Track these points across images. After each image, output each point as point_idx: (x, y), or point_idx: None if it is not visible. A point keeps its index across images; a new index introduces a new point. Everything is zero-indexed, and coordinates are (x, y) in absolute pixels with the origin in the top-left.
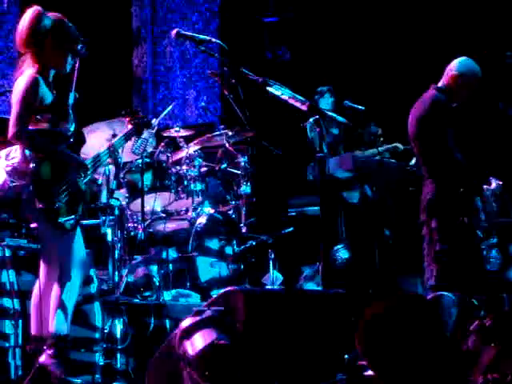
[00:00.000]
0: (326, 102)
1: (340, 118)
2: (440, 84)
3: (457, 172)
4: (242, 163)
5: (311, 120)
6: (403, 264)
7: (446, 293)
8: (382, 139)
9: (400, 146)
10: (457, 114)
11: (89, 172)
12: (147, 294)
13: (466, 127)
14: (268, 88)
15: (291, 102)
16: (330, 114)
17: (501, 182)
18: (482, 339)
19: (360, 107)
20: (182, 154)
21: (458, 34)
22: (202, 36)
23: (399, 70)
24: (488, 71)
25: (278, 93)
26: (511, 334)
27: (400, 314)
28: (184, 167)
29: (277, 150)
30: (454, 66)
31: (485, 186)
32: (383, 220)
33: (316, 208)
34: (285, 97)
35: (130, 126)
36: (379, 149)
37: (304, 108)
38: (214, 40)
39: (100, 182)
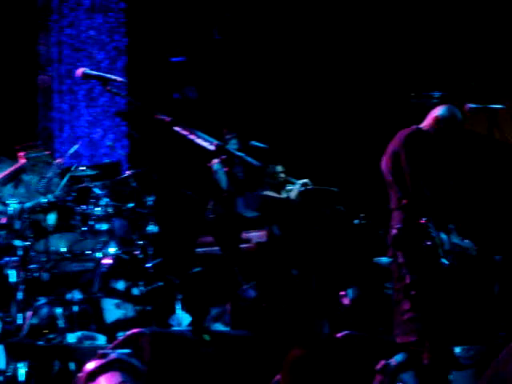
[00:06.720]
0: (230, 148)
1: (249, 159)
2: (421, 125)
3: (423, 204)
4: (149, 203)
5: (218, 160)
6: (310, 304)
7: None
8: (283, 175)
9: (309, 182)
10: (436, 151)
11: None
12: (51, 336)
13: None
14: (175, 127)
15: (199, 141)
16: (238, 153)
17: None
18: None
19: (264, 146)
20: (88, 193)
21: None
22: (108, 75)
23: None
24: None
25: (185, 132)
26: None
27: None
28: (90, 207)
29: (186, 191)
30: (438, 110)
31: None
32: (290, 259)
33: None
34: (192, 136)
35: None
36: (288, 192)
37: (212, 148)
38: (120, 79)
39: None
